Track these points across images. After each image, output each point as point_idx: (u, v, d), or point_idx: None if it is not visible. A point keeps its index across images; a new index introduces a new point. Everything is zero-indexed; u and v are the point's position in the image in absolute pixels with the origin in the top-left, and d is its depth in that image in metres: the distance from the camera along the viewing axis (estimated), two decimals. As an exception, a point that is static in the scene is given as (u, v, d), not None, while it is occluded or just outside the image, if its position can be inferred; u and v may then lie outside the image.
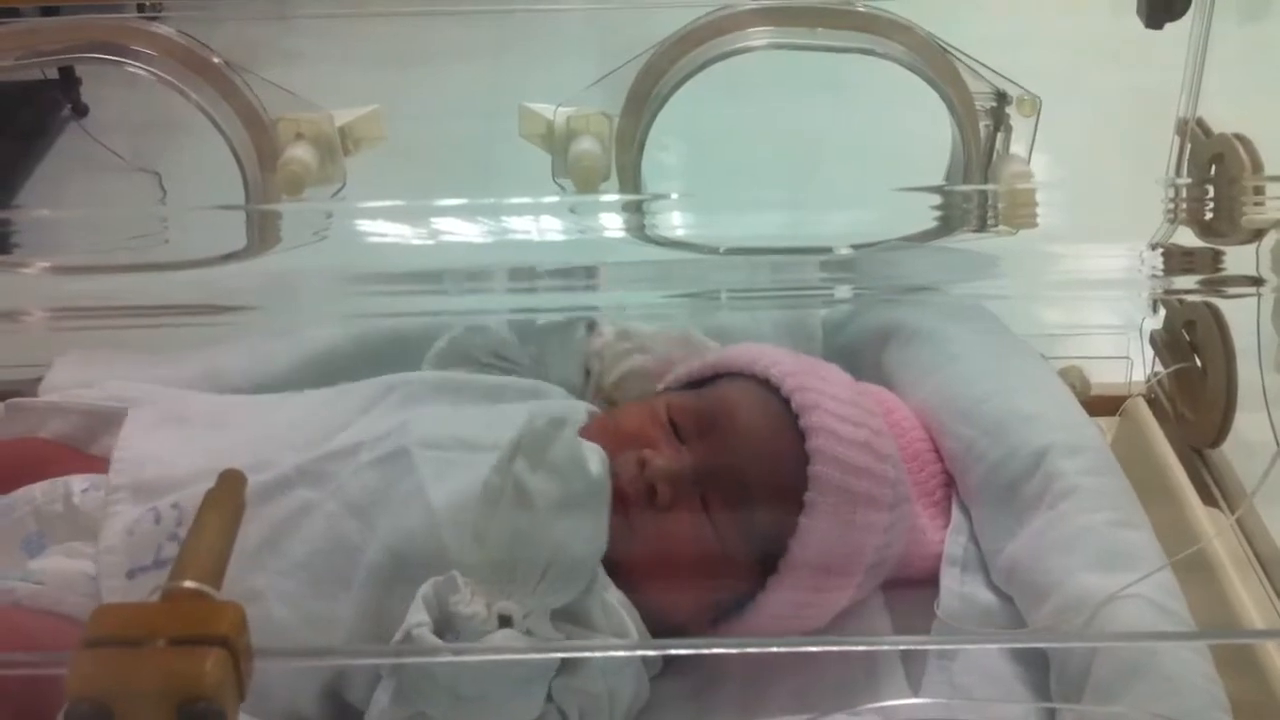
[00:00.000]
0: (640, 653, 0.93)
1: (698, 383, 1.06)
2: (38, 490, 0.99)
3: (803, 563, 0.95)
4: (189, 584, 0.58)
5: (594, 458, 0.90)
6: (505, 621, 0.84)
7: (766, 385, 1.00)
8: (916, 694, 0.94)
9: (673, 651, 0.92)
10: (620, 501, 0.93)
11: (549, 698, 0.87)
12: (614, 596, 0.92)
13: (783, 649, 0.91)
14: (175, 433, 1.03)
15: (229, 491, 0.68)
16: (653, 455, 0.96)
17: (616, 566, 0.93)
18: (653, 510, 0.94)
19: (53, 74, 2.56)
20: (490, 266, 0.85)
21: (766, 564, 0.96)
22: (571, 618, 0.90)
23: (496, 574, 0.86)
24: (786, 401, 0.98)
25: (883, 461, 0.98)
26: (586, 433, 1.01)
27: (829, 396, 0.98)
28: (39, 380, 1.18)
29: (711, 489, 0.96)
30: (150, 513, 0.94)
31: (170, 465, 0.98)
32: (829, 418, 0.97)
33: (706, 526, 0.95)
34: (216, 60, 1.09)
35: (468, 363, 1.12)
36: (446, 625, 0.84)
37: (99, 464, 1.02)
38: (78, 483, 0.99)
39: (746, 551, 0.96)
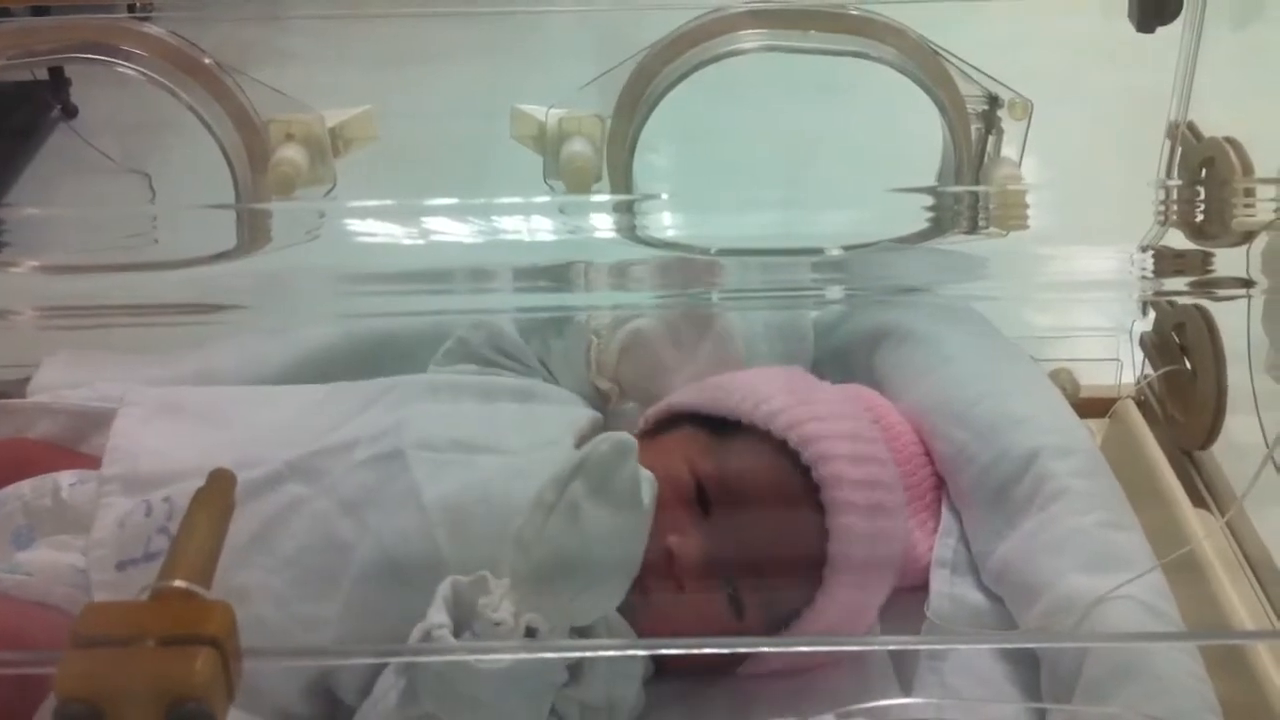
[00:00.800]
0: (630, 652, 0.92)
1: (712, 421, 1.02)
2: (26, 486, 0.99)
3: (817, 625, 0.95)
4: (179, 583, 0.58)
5: (649, 490, 0.88)
6: (530, 633, 0.83)
7: (785, 449, 0.97)
8: (907, 692, 0.95)
9: (663, 652, 0.91)
10: (642, 578, 0.90)
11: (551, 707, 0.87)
12: (615, 617, 0.92)
13: (772, 650, 0.92)
14: (170, 425, 1.03)
15: (219, 491, 0.68)
16: (679, 544, 0.93)
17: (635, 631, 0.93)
18: (675, 588, 0.93)
19: (43, 74, 2.55)
20: (481, 266, 0.85)
21: (783, 621, 0.96)
22: (578, 631, 0.90)
23: (531, 584, 0.84)
24: (807, 470, 0.96)
25: (894, 517, 0.99)
26: None
27: (846, 459, 0.97)
28: (27, 381, 1.17)
29: (734, 569, 0.94)
30: (141, 505, 0.94)
31: (164, 458, 0.98)
32: (850, 490, 0.96)
33: (726, 604, 0.95)
34: (207, 61, 1.09)
35: (474, 360, 1.12)
36: (465, 625, 0.84)
37: (88, 462, 1.02)
38: (66, 478, 0.99)
39: (765, 618, 0.96)
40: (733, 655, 0.98)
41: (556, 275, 0.85)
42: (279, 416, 1.04)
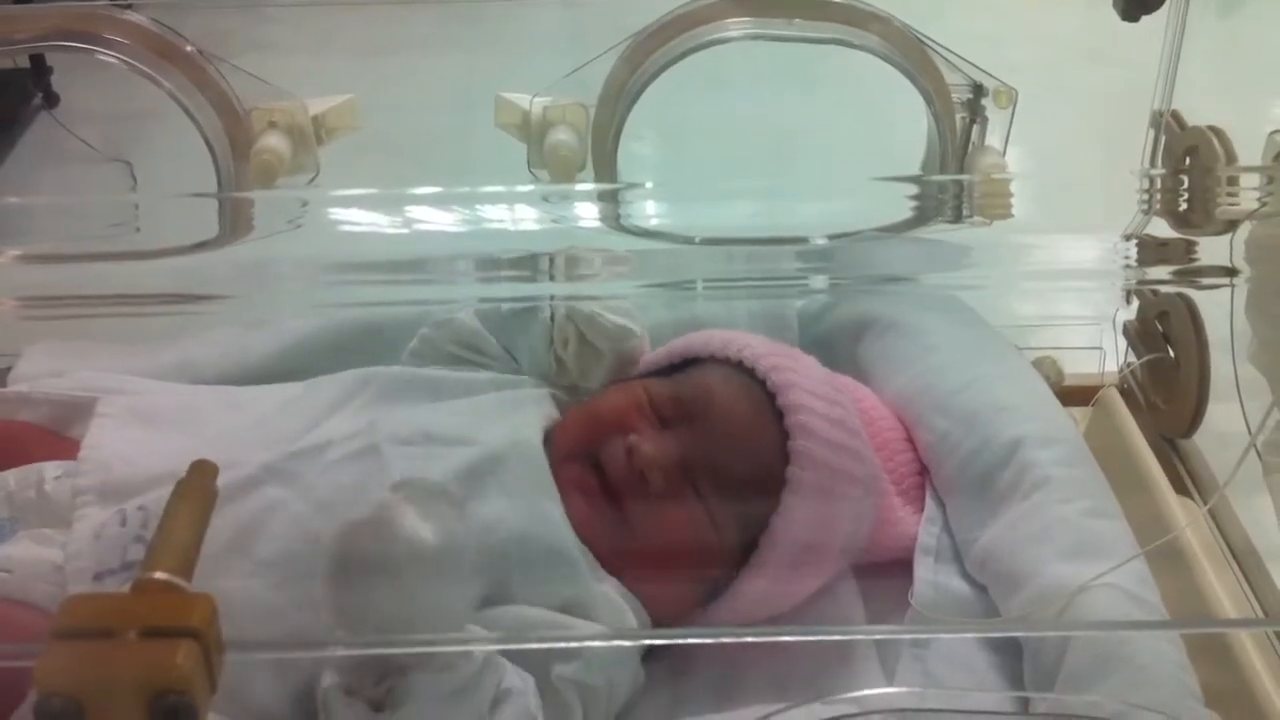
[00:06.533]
0: (618, 643, 0.92)
1: (670, 369, 1.07)
2: (11, 476, 0.98)
3: (786, 535, 0.97)
4: (160, 575, 0.58)
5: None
6: None
7: (741, 368, 1.02)
8: (890, 680, 0.95)
9: (649, 642, 0.91)
10: (611, 490, 0.95)
11: (554, 685, 0.88)
12: (613, 587, 0.94)
13: (762, 639, 0.92)
14: (143, 433, 1.02)
15: (200, 482, 0.68)
16: (639, 441, 0.96)
17: (612, 554, 0.95)
18: (645, 497, 0.95)
19: (24, 62, 2.54)
20: (463, 255, 0.84)
21: (752, 540, 0.97)
22: (577, 611, 0.91)
23: None
24: (763, 383, 1.00)
25: (855, 437, 1.02)
26: (565, 423, 1.01)
27: (803, 375, 1.02)
28: (8, 370, 1.17)
29: (700, 472, 0.97)
30: (117, 515, 0.93)
31: (137, 466, 0.97)
32: (805, 395, 1.00)
33: (699, 509, 0.96)
34: (189, 49, 1.09)
35: (440, 358, 1.11)
36: None
37: (73, 448, 1.01)
38: (50, 469, 0.98)
39: (735, 528, 0.97)
40: (712, 588, 0.99)
41: (534, 265, 0.85)
42: (252, 417, 1.04)
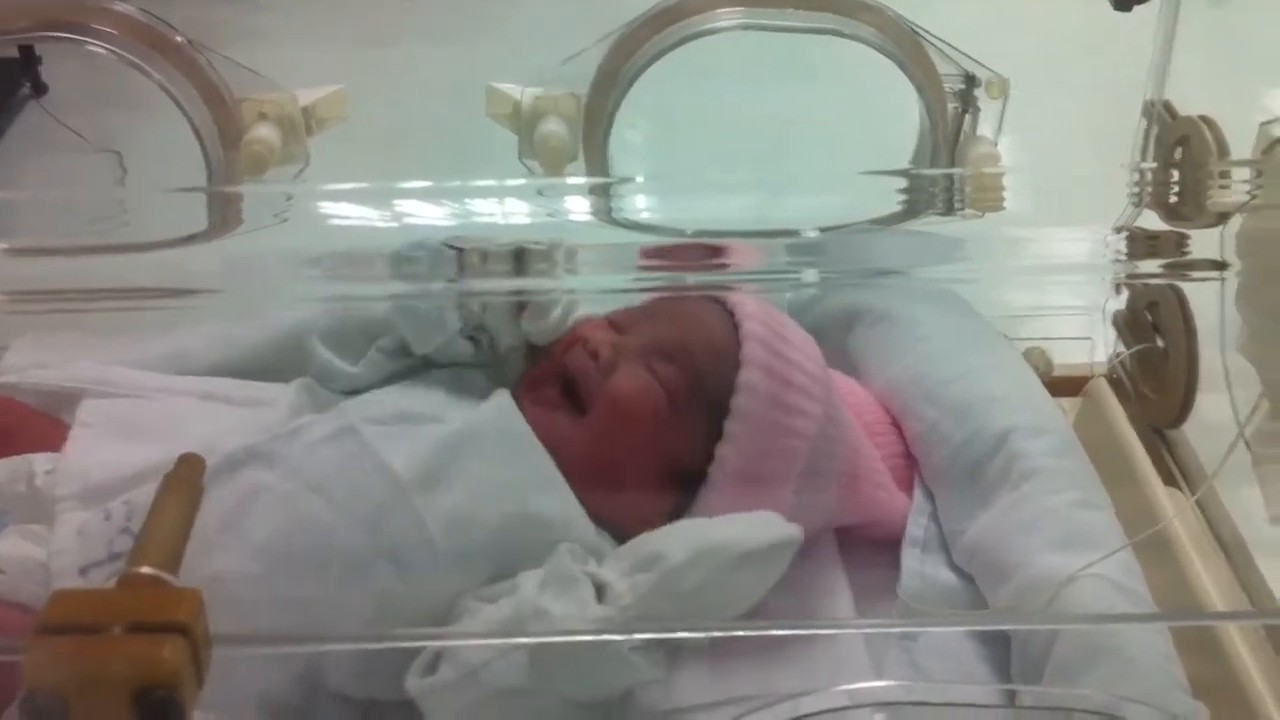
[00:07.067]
0: (608, 637, 0.92)
1: None
2: (1, 470, 0.98)
3: (745, 422, 0.99)
4: (146, 570, 0.58)
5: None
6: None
7: (705, 297, 1.06)
8: (878, 669, 0.95)
9: (640, 636, 0.91)
10: (574, 386, 1.00)
11: None
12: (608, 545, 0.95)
13: (751, 634, 0.92)
14: (123, 444, 1.02)
15: (187, 475, 0.68)
16: (590, 331, 1.02)
17: (580, 461, 0.96)
18: (602, 377, 0.99)
19: (12, 52, 2.52)
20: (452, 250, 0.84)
21: (708, 452, 0.99)
22: None
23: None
24: (718, 301, 1.05)
25: (811, 361, 1.04)
26: (531, 367, 1.05)
27: (767, 308, 1.05)
28: (-4, 363, 1.16)
29: (654, 355, 1.00)
30: (100, 512, 0.93)
31: (115, 468, 0.96)
32: (762, 313, 1.03)
33: (653, 383, 0.99)
34: (179, 39, 1.08)
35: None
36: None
37: (63, 434, 1.01)
38: (40, 463, 0.97)
39: (693, 419, 0.99)
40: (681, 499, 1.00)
41: (520, 258, 0.85)
42: (228, 420, 1.04)
